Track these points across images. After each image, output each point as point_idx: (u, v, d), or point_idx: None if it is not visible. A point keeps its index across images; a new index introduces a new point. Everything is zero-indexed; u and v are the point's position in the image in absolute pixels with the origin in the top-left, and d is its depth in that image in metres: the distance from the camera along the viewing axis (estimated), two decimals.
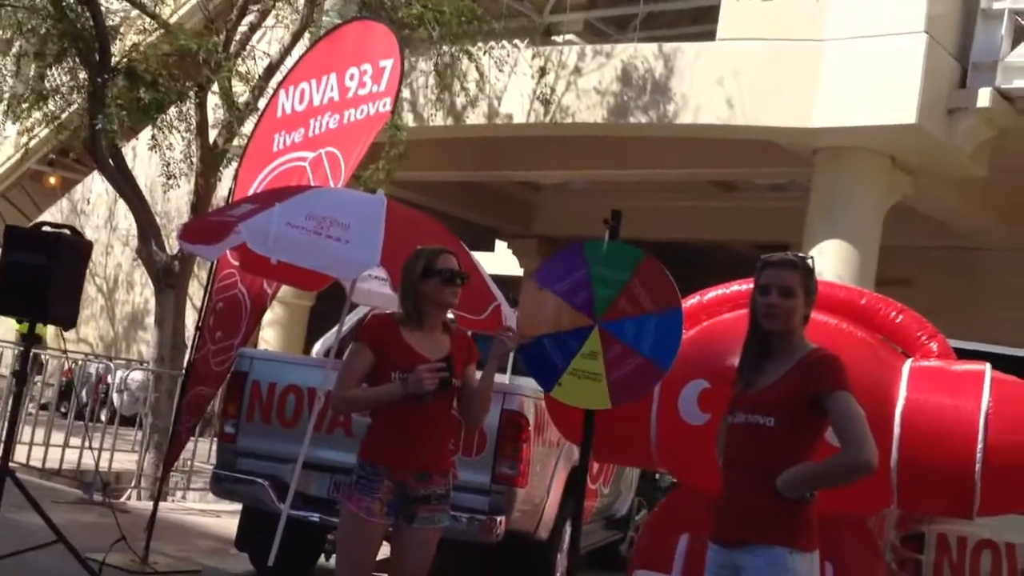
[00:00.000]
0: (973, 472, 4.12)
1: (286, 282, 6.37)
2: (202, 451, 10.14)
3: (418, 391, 3.63)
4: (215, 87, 10.46)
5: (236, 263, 5.97)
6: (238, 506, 6.84)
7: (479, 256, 15.26)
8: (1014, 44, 9.96)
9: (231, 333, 6.19)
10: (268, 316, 15.24)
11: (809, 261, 3.37)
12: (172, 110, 11.11)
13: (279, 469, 5.93)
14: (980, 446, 4.11)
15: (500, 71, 11.37)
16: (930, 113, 9.73)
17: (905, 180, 10.87)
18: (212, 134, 10.52)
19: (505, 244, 18.71)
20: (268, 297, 6.23)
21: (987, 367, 4.33)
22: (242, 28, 10.82)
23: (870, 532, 4.64)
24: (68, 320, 5.72)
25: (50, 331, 8.17)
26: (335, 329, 5.88)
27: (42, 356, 11.43)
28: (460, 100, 11.99)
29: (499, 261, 18.02)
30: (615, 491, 7.91)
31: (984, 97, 9.86)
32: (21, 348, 9.31)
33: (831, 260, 10.28)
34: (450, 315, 5.49)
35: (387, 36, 6.12)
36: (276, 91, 6.65)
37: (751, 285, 3.40)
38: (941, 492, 4.28)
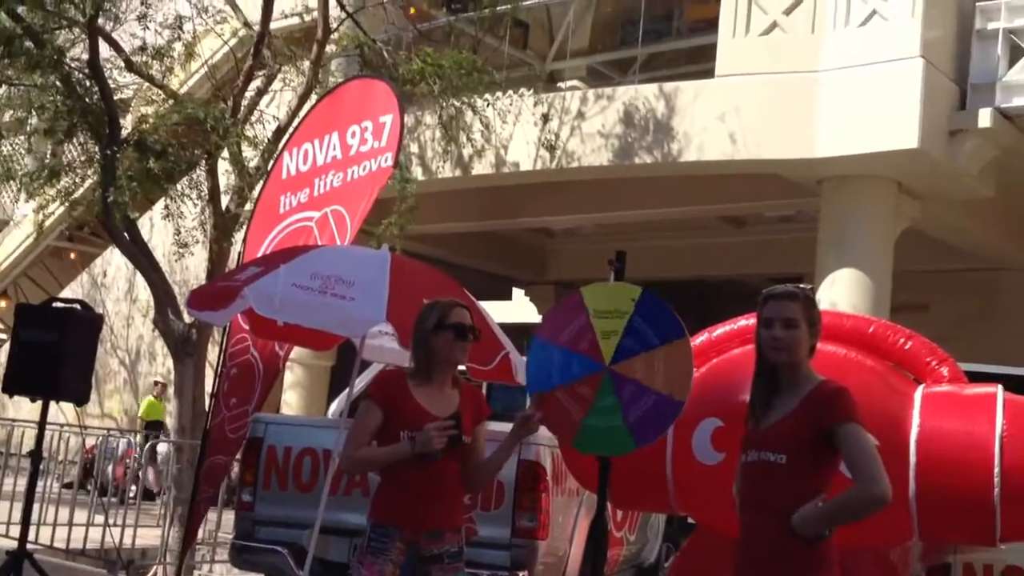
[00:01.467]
0: (992, 497, 4.07)
1: (296, 343, 6.38)
2: (228, 522, 10.07)
3: (427, 450, 3.60)
4: (225, 153, 10.57)
5: (246, 327, 5.99)
6: None
7: (496, 305, 15.29)
8: (1011, 63, 9.98)
9: (245, 399, 6.18)
10: (288, 379, 15.29)
11: (809, 291, 3.37)
12: (184, 179, 11.24)
13: (298, 536, 5.87)
14: (997, 470, 4.07)
15: (504, 122, 11.47)
16: (932, 137, 9.74)
17: (913, 204, 10.85)
18: (224, 200, 10.60)
19: (522, 292, 18.73)
20: (281, 360, 6.22)
21: (999, 388, 4.30)
22: (249, 93, 10.97)
23: (894, 566, 4.59)
24: (81, 396, 5.74)
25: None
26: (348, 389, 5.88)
27: (61, 434, 11.41)
28: (467, 151, 12.09)
29: (517, 309, 18.02)
30: (642, 538, 7.81)
31: (985, 117, 9.86)
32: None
33: (844, 289, 10.25)
34: (461, 368, 5.52)
35: (386, 92, 6.18)
36: (280, 153, 6.70)
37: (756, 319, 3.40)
38: (961, 520, 4.23)
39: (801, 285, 3.40)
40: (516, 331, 5.32)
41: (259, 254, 6.23)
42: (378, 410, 3.70)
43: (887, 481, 3.04)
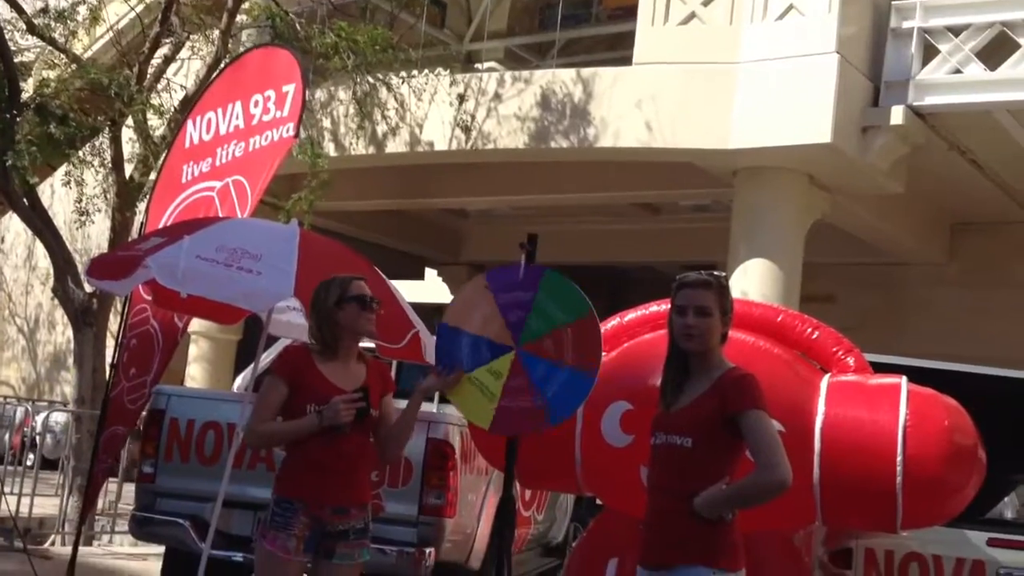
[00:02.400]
0: (894, 485, 4.13)
1: (200, 316, 6.25)
2: (128, 493, 9.90)
3: (334, 423, 3.58)
4: (129, 121, 10.31)
5: (148, 298, 5.83)
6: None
7: (409, 285, 15.21)
8: (924, 62, 10.19)
9: (144, 369, 6.06)
10: (193, 352, 14.98)
11: (724, 278, 3.36)
12: (87, 145, 10.91)
13: (200, 508, 5.79)
14: (900, 459, 4.12)
15: (419, 99, 11.35)
16: (844, 132, 9.90)
17: (823, 198, 11.04)
18: (128, 168, 10.37)
19: (435, 272, 18.65)
20: (179, 331, 6.10)
21: (903, 380, 4.36)
22: (156, 61, 10.70)
23: (797, 549, 4.64)
24: None
25: None
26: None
27: None
28: (381, 129, 11.95)
29: (429, 289, 17.94)
30: (550, 517, 7.84)
31: (897, 115, 10.06)
32: None
33: (755, 279, 10.39)
34: (369, 344, 5.42)
35: (289, 61, 6.07)
36: (183, 122, 6.56)
37: (669, 305, 3.38)
38: (864, 506, 4.29)
39: (716, 272, 3.39)
40: (428, 311, 5.25)
41: (161, 224, 6.09)
42: (283, 384, 3.67)
43: (788, 467, 3.08)
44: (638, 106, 10.66)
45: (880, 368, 4.66)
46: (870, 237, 13.05)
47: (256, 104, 5.92)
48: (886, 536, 4.83)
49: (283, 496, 3.63)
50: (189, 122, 6.35)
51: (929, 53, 10.20)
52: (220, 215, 5.85)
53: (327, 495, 3.62)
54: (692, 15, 10.65)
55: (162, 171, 6.54)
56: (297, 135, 5.93)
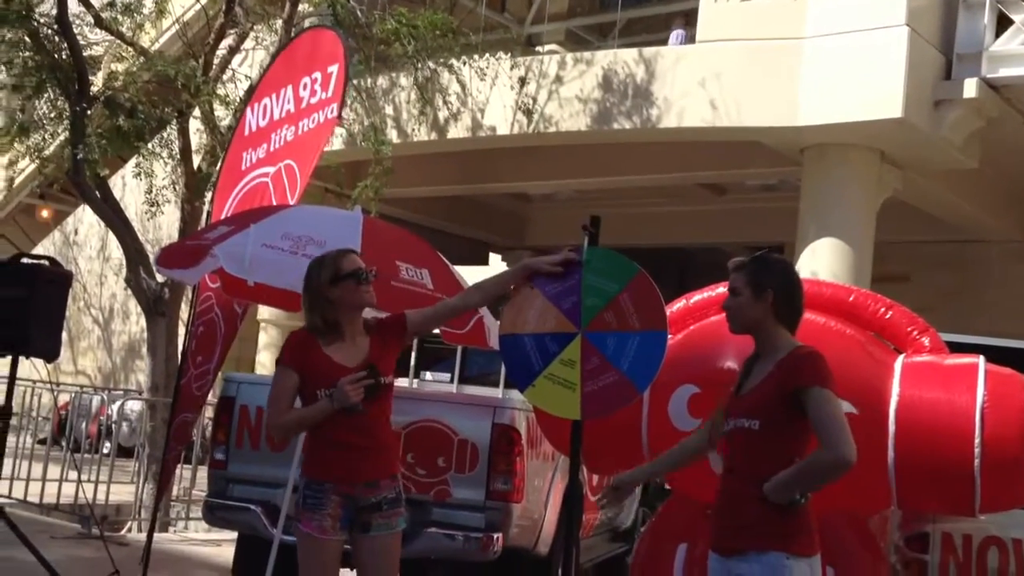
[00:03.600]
0: (972, 467, 4.04)
1: (267, 303, 6.32)
2: (203, 480, 10.06)
3: (345, 404, 3.56)
4: (196, 112, 10.45)
5: (214, 286, 5.89)
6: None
7: (473, 270, 15.27)
8: (998, 33, 9.91)
9: (209, 357, 6.13)
10: (263, 339, 15.19)
11: (767, 258, 3.28)
12: (155, 137, 11.10)
13: (272, 494, 5.83)
14: (977, 440, 4.03)
15: (481, 80, 11.33)
16: (916, 106, 9.68)
17: (895, 174, 10.81)
18: (196, 159, 10.52)
19: (499, 257, 18.67)
20: (239, 317, 6.13)
21: (981, 360, 4.25)
22: (221, 51, 10.82)
23: (872, 534, 4.56)
24: (51, 352, 5.65)
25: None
26: None
27: (34, 390, 11.37)
28: (443, 114, 11.96)
29: (494, 274, 17.92)
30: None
31: (970, 88, 9.81)
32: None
33: (825, 258, 10.22)
34: (435, 330, 5.40)
35: (333, 41, 6.05)
36: (243, 109, 6.60)
37: None
38: (941, 489, 4.20)
39: (764, 252, 3.33)
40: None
41: (224, 212, 6.15)
42: (292, 373, 3.65)
43: (851, 445, 3.00)
44: (702, 85, 10.52)
45: (956, 348, 4.56)
46: (944, 214, 12.75)
47: (305, 87, 5.94)
48: (964, 520, 4.72)
49: (313, 479, 3.64)
50: (248, 109, 6.40)
51: (1002, 24, 9.92)
52: (273, 201, 5.89)
53: (355, 472, 3.62)
54: None
55: (225, 160, 6.60)
56: (340, 116, 5.92)
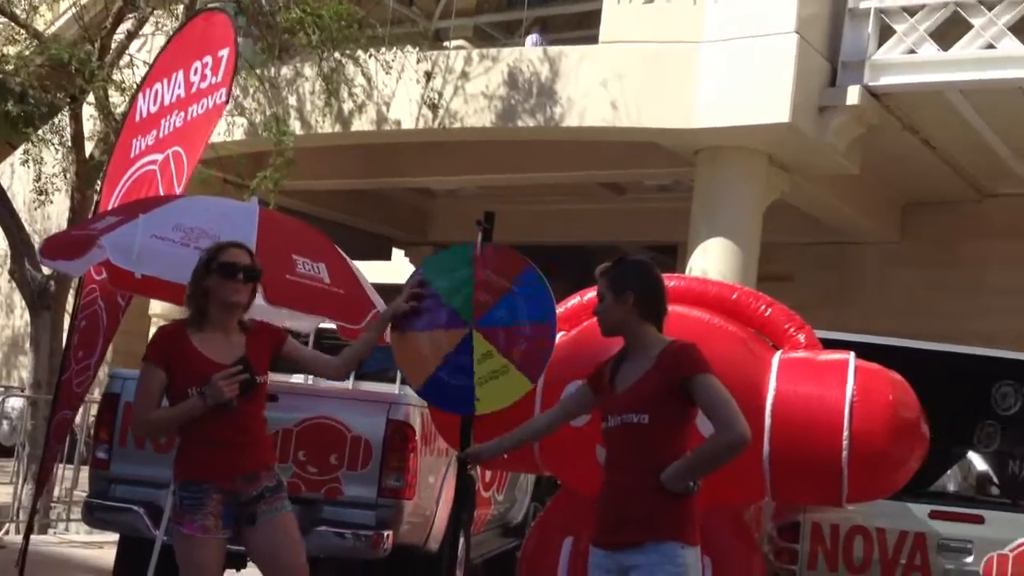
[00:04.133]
0: (840, 460, 4.21)
1: (157, 297, 6.18)
2: (86, 480, 9.79)
3: (219, 401, 3.51)
4: (90, 98, 10.18)
5: (99, 277, 5.71)
6: None
7: (375, 265, 15.12)
8: (880, 42, 10.27)
9: (91, 352, 5.92)
10: (152, 334, 14.83)
11: (627, 263, 3.43)
12: (46, 123, 10.77)
13: (155, 495, 5.63)
14: (846, 434, 4.20)
15: (387, 73, 11.29)
16: (803, 112, 9.99)
17: (782, 177, 11.14)
18: (88, 146, 10.23)
19: (402, 252, 18.59)
20: (122, 311, 5.91)
21: (851, 356, 4.44)
22: (119, 36, 10.55)
23: (747, 525, 4.73)
24: None
25: None
26: None
27: None
28: (347, 107, 11.88)
29: (396, 270, 17.86)
30: (510, 498, 7.87)
31: (853, 95, 10.15)
32: None
33: (715, 258, 10.48)
34: (330, 325, 5.38)
35: (224, 24, 5.91)
36: (135, 95, 6.44)
37: None
38: (811, 481, 4.38)
39: (629, 256, 3.50)
40: (395, 292, 5.24)
41: (111, 201, 5.97)
42: (159, 371, 3.57)
43: (745, 424, 3.15)
44: (604, 85, 10.68)
45: (830, 344, 4.74)
46: (826, 217, 13.18)
47: (195, 72, 5.77)
48: (832, 510, 4.93)
49: (189, 480, 3.56)
50: (140, 95, 6.21)
51: (885, 33, 10.29)
52: (160, 190, 5.73)
53: (234, 467, 3.57)
54: None
55: (116, 147, 6.40)
56: (228, 101, 5.79)
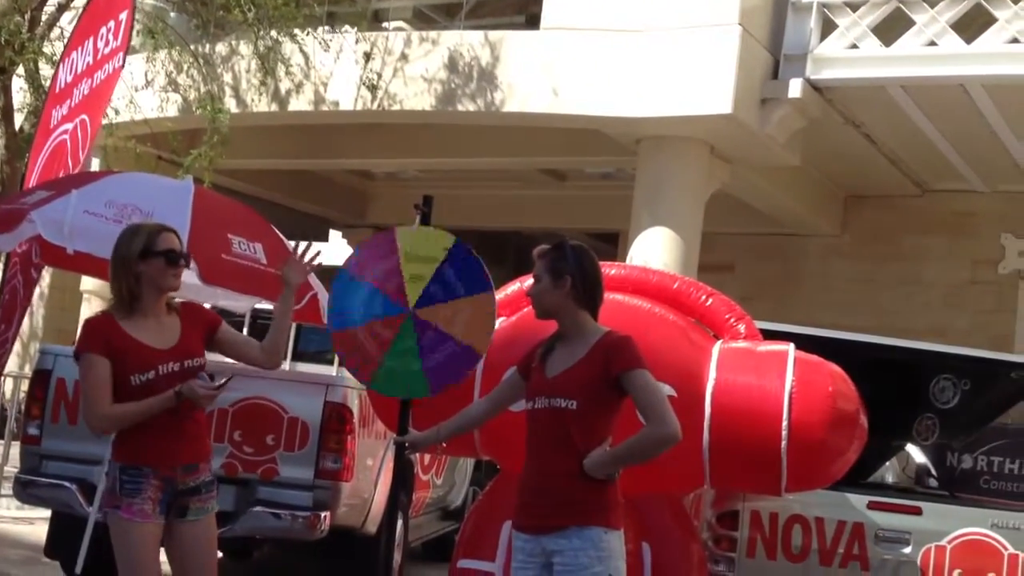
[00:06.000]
0: (779, 449, 4.25)
1: (88, 273, 6.08)
2: (16, 455, 9.60)
3: (193, 399, 3.51)
4: (20, 70, 9.94)
5: (20, 251, 5.59)
6: None
7: (313, 246, 14.84)
8: (823, 37, 10.38)
9: (9, 326, 5.83)
10: (85, 311, 14.55)
11: (568, 247, 3.40)
12: None
13: (88, 472, 5.64)
14: (785, 424, 4.24)
15: (325, 51, 11.14)
16: (745, 103, 10.06)
17: (724, 168, 11.22)
18: (18, 119, 10.01)
19: (339, 234, 18.43)
20: (34, 284, 5.82)
21: (791, 347, 4.48)
22: (50, 8, 10.31)
23: (686, 512, 4.75)
24: None
25: None
26: None
27: None
28: (284, 86, 11.71)
29: (333, 252, 17.71)
30: (449, 481, 7.87)
31: (795, 88, 10.24)
32: None
33: (657, 247, 10.52)
34: (266, 305, 5.28)
35: None
36: (57, 65, 6.32)
37: None
38: (750, 470, 4.41)
39: (568, 240, 3.46)
40: (331, 273, 5.18)
41: (34, 173, 5.86)
42: (104, 360, 3.50)
43: (676, 421, 3.17)
44: (545, 71, 10.65)
45: (770, 335, 4.78)
46: (768, 208, 13.32)
47: (101, 37, 5.73)
48: (771, 499, 4.98)
49: (130, 463, 3.52)
50: (61, 65, 6.14)
51: (827, 27, 10.39)
52: (69, 161, 5.66)
53: (176, 455, 3.55)
54: None
55: (40, 118, 6.32)
56: (124, 64, 5.70)
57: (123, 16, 5.64)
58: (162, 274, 3.57)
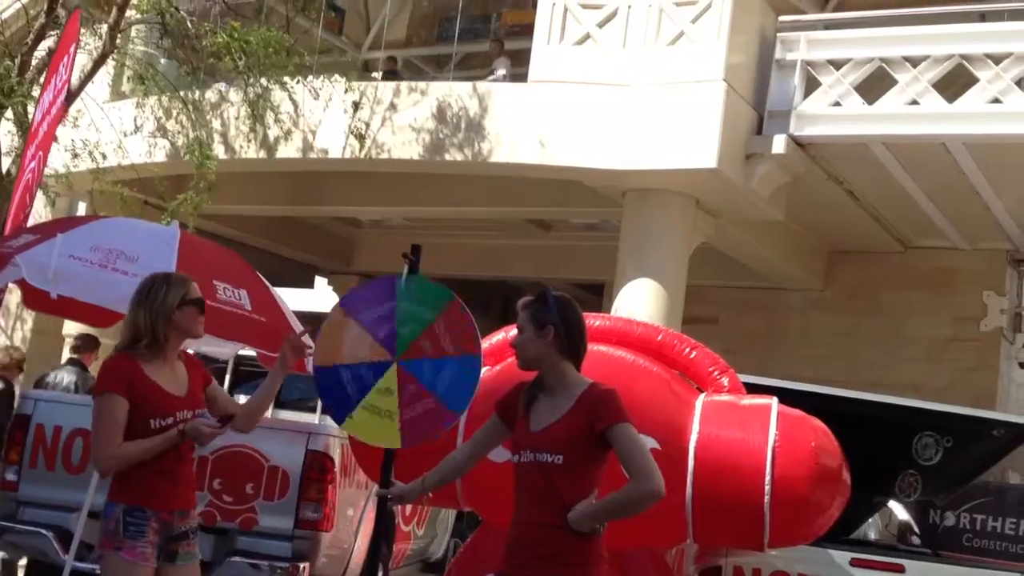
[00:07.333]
0: (762, 504, 4.24)
1: (71, 318, 6.07)
2: None
3: (195, 440, 3.62)
4: (9, 114, 9.96)
5: None
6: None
7: (298, 293, 14.88)
8: (807, 94, 10.50)
9: None
10: (66, 354, 14.42)
11: (549, 298, 3.42)
12: None
13: (65, 519, 5.64)
14: (768, 478, 4.24)
15: (315, 99, 11.22)
16: (729, 158, 10.14)
17: (709, 222, 11.28)
18: (6, 162, 10.00)
19: (325, 281, 18.41)
20: None
21: (774, 401, 4.48)
22: (40, 53, 10.35)
23: (668, 568, 4.73)
24: None
25: None
26: None
27: None
28: (273, 133, 11.76)
29: (319, 298, 17.67)
30: (430, 533, 7.81)
31: (779, 144, 10.33)
32: None
33: (641, 299, 10.54)
34: (250, 352, 5.28)
35: (73, 19, 6.05)
36: (38, 106, 6.43)
37: None
38: (733, 525, 4.40)
39: (550, 291, 3.46)
40: (318, 320, 5.17)
41: (11, 213, 5.88)
42: (124, 400, 3.57)
43: (660, 477, 3.16)
44: (532, 123, 10.73)
45: (754, 389, 4.79)
46: (751, 262, 13.38)
47: (59, 74, 5.87)
48: (754, 554, 4.95)
49: (135, 504, 3.56)
50: (37, 105, 6.25)
51: (811, 85, 10.52)
52: (28, 199, 5.70)
53: (174, 499, 3.64)
54: (587, 36, 10.78)
55: (22, 159, 6.41)
56: (69, 97, 5.83)
57: (72, 48, 5.75)
58: (193, 322, 3.70)
